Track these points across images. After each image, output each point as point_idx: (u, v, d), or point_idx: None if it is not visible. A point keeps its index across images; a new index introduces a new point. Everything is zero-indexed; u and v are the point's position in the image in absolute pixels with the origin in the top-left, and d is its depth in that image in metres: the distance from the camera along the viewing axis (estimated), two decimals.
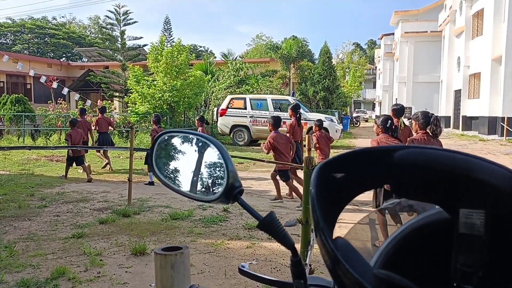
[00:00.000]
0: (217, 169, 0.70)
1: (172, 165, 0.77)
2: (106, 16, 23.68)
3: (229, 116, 16.39)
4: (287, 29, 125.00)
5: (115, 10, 22.14)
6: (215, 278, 3.64)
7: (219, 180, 0.68)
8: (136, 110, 15.93)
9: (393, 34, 42.91)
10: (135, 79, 15.91)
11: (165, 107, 15.23)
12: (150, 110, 15.43)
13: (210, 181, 0.71)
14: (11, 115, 17.82)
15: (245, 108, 16.28)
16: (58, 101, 20.63)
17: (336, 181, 0.55)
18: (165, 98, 15.06)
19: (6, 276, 3.58)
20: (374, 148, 0.57)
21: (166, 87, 15.21)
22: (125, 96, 19.22)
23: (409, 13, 38.45)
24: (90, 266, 3.84)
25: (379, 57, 50.45)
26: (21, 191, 7.36)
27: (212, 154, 0.71)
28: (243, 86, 21.48)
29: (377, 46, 60.69)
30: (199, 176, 0.72)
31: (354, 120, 33.94)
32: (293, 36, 35.83)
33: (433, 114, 4.83)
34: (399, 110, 6.13)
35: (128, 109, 17.69)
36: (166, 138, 0.78)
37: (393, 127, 4.86)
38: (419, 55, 35.53)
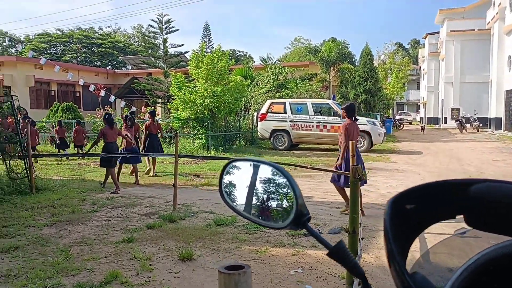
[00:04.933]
0: (285, 196, 0.72)
1: (240, 191, 0.80)
2: (149, 25, 24.49)
3: (269, 121, 16.44)
4: (326, 31, 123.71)
5: (158, 19, 22.83)
6: (260, 286, 3.67)
7: (287, 208, 0.71)
8: (178, 116, 16.32)
9: (438, 33, 41.45)
10: (177, 86, 16.30)
11: (206, 113, 15.48)
12: (191, 116, 15.77)
13: (279, 208, 0.73)
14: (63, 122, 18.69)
15: (285, 113, 16.27)
16: (105, 108, 21.53)
17: (409, 212, 0.56)
18: (206, 104, 15.32)
19: (63, 279, 3.77)
20: (449, 181, 0.57)
21: (207, 93, 15.48)
22: (168, 102, 19.74)
23: (454, 11, 37.07)
24: (141, 271, 3.98)
25: (423, 57, 48.82)
26: (74, 196, 7.74)
27: (279, 181, 0.73)
28: (283, 90, 21.44)
29: (420, 45, 58.80)
30: (267, 203, 0.74)
31: (397, 122, 32.94)
32: (333, 38, 35.47)
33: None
34: (130, 119, 10.01)
35: (170, 115, 18.13)
36: (234, 165, 0.81)
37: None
38: (466, 54, 34.11)
